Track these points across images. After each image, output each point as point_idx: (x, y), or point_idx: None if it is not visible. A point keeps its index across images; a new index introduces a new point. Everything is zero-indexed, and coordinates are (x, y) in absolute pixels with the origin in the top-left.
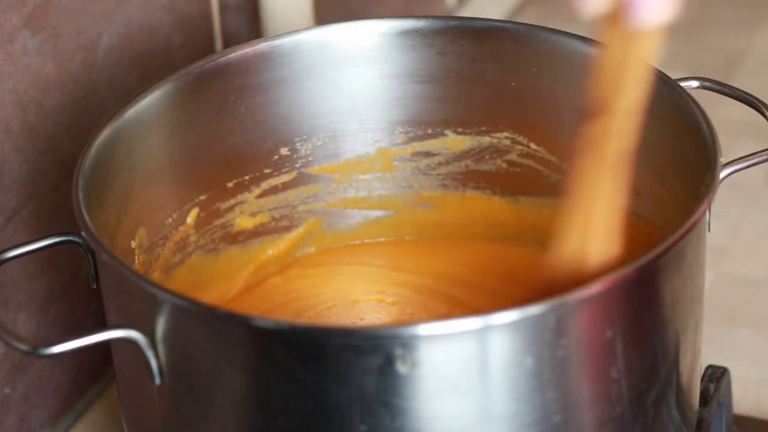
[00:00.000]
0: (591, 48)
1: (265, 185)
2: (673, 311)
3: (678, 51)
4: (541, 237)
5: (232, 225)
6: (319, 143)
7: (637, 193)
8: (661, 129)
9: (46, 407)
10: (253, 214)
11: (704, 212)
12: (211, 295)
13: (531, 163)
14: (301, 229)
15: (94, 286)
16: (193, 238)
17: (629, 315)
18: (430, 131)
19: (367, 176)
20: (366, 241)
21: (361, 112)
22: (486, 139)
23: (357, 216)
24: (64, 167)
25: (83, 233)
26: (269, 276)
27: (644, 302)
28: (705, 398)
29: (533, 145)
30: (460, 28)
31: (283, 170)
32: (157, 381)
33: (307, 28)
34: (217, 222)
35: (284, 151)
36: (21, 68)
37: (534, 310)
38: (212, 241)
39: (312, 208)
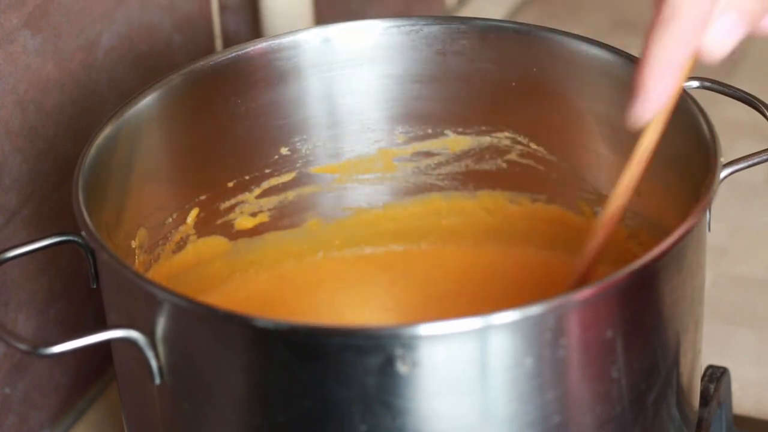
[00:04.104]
0: (591, 48)
1: (265, 185)
2: (673, 311)
3: None
4: (540, 238)
5: (232, 225)
6: (319, 143)
7: (637, 193)
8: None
9: (46, 407)
10: (253, 214)
11: (704, 212)
12: (212, 296)
13: (531, 163)
14: (301, 229)
15: (94, 286)
16: (193, 238)
17: (629, 315)
18: (430, 131)
19: (367, 176)
20: (370, 243)
21: (361, 112)
22: (486, 139)
23: (357, 216)
24: (64, 167)
25: (83, 233)
26: (268, 277)
27: (644, 302)
28: (705, 398)
29: (533, 145)
30: (460, 28)
31: (283, 170)
32: (157, 381)
33: (307, 28)
34: (217, 222)
35: (284, 151)
36: (21, 68)
37: (534, 310)
38: None
39: (312, 208)
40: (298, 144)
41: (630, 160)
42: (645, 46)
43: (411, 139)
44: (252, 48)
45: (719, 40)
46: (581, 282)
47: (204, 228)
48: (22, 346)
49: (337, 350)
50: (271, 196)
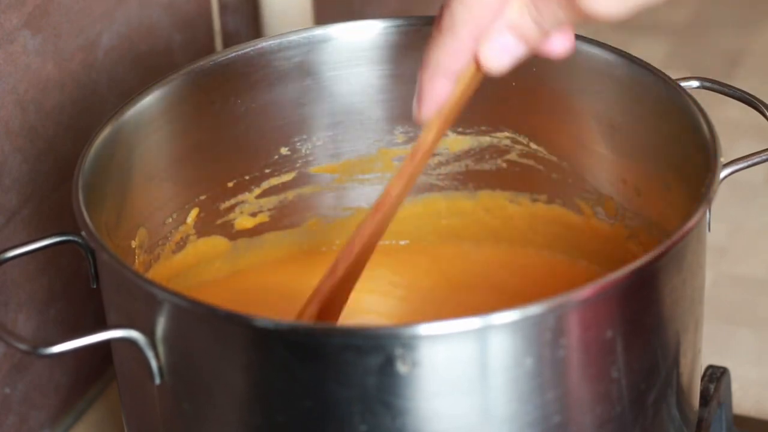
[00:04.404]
0: (591, 48)
1: (265, 185)
2: (673, 311)
3: (678, 51)
4: (540, 238)
5: (232, 225)
6: (319, 143)
7: (637, 193)
8: (661, 129)
9: (46, 407)
10: (253, 214)
11: (704, 212)
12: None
13: (531, 163)
14: (301, 229)
15: (94, 286)
16: (193, 238)
17: (629, 315)
18: None
19: (367, 176)
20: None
21: (361, 112)
22: (486, 139)
23: (357, 216)
24: (64, 167)
25: (83, 233)
26: (268, 277)
27: (644, 302)
28: (705, 398)
29: (533, 145)
30: None
31: (283, 170)
32: (157, 381)
33: (307, 28)
34: (217, 222)
35: (284, 151)
36: (21, 68)
37: (534, 310)
38: None
39: (312, 208)
40: (298, 144)
41: (408, 156)
42: (425, 51)
43: (411, 139)
44: (252, 48)
45: (496, 56)
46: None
47: (204, 228)
48: (22, 346)
49: (337, 350)
50: (271, 196)
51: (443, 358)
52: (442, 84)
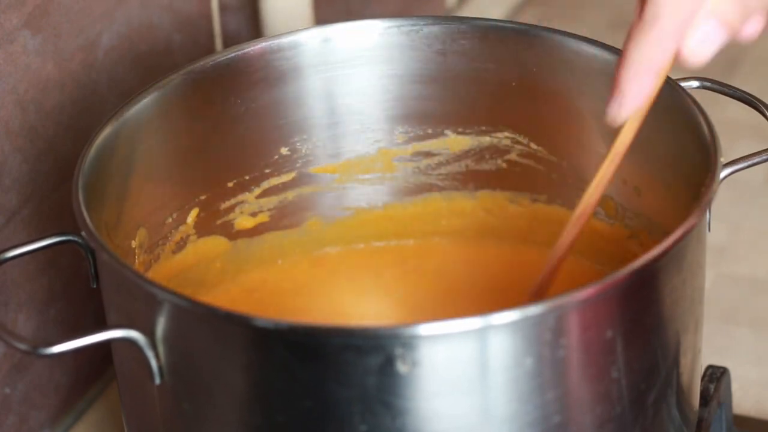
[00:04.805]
0: (591, 48)
1: (265, 185)
2: (673, 311)
3: None
4: (540, 238)
5: (232, 225)
6: (319, 143)
7: (637, 193)
8: (661, 129)
9: (46, 407)
10: (253, 214)
11: (704, 212)
12: (213, 295)
13: (531, 163)
14: (301, 229)
15: (94, 286)
16: (193, 238)
17: (629, 315)
18: (430, 131)
19: (367, 176)
20: (370, 243)
21: (361, 112)
22: (486, 139)
23: (357, 216)
24: (64, 167)
25: (83, 233)
26: (268, 277)
27: (644, 302)
28: (705, 398)
29: (533, 145)
30: (460, 28)
31: (283, 170)
32: (157, 381)
33: (307, 28)
34: (217, 222)
35: (284, 151)
36: (21, 68)
37: (534, 310)
38: None
39: (312, 208)
40: (298, 144)
41: (606, 158)
42: (625, 45)
43: (411, 139)
44: (252, 48)
45: (700, 46)
46: (551, 276)
47: (204, 228)
48: (22, 346)
49: (337, 350)
50: (271, 196)
51: (443, 358)
52: (648, 80)
